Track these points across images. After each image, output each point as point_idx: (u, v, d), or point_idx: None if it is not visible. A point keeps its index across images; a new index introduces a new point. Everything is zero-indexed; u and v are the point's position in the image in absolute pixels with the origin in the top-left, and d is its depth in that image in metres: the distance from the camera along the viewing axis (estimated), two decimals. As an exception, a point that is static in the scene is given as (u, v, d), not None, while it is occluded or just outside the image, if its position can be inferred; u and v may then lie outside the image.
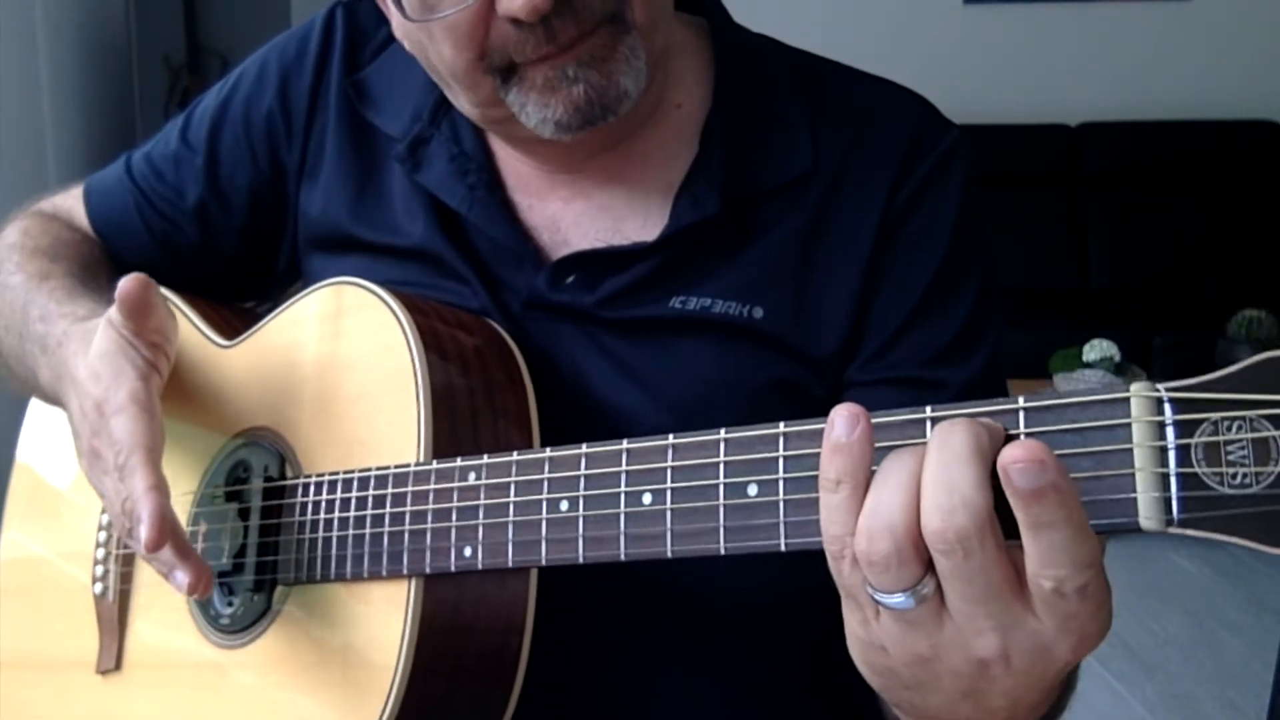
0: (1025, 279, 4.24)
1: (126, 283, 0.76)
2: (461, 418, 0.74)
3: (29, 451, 1.00)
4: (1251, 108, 4.37)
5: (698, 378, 0.79)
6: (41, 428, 0.99)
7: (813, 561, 0.75)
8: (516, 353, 0.79)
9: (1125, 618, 3.00)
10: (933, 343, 0.78)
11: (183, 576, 0.72)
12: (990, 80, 4.48)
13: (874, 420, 0.52)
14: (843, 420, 0.51)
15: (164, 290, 0.94)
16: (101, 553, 0.90)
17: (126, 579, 0.88)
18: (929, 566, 0.49)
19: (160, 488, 0.71)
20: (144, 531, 0.69)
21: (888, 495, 0.49)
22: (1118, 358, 3.19)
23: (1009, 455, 0.46)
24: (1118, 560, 3.38)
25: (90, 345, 0.79)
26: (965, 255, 0.80)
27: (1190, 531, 0.46)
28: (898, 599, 0.50)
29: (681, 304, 0.79)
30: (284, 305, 0.85)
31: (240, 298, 0.99)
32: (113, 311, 0.78)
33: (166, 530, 0.70)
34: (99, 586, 0.89)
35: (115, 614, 0.88)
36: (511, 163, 0.84)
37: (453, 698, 0.73)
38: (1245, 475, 0.45)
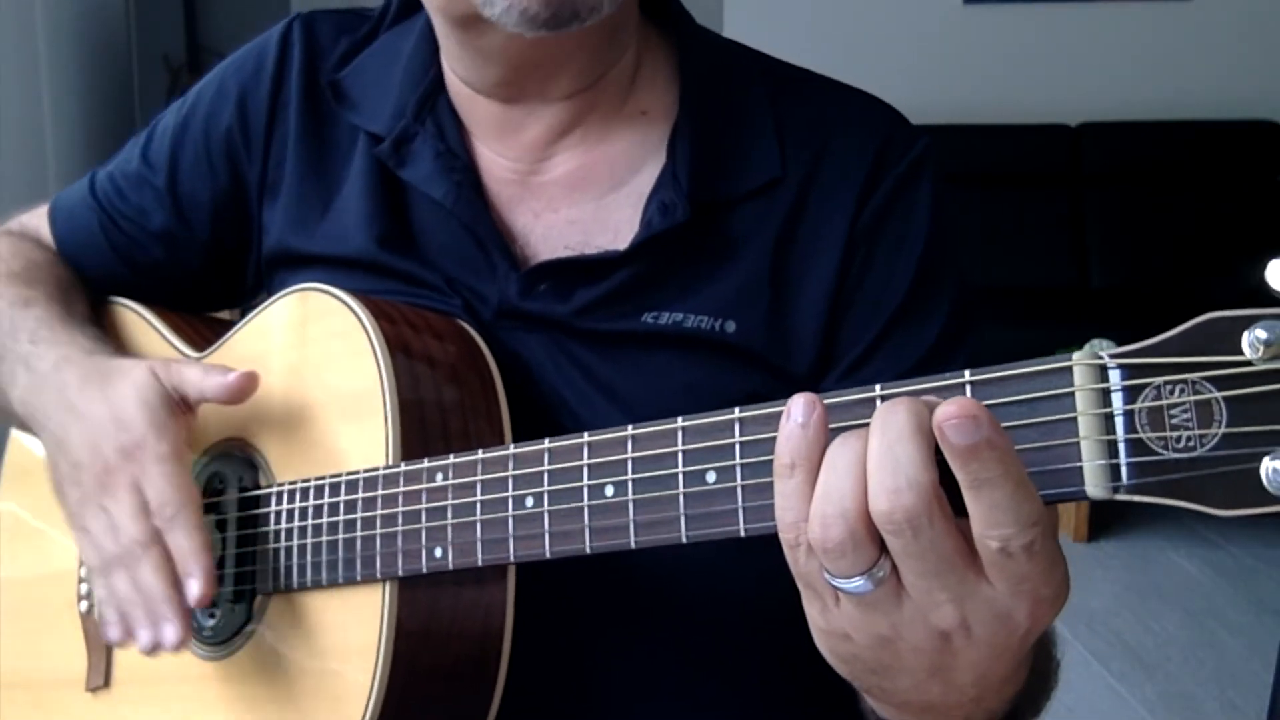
0: (1025, 279, 4.24)
1: (246, 379, 0.77)
2: (430, 420, 0.74)
3: (13, 468, 1.00)
4: (1251, 108, 4.37)
5: (669, 392, 0.78)
6: (25, 443, 0.99)
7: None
8: (486, 353, 0.78)
9: (1125, 618, 3.00)
10: (910, 354, 0.78)
11: (173, 632, 0.74)
12: (990, 80, 4.48)
13: (826, 401, 0.52)
14: (799, 406, 0.51)
15: (132, 303, 0.95)
16: (85, 570, 0.90)
17: None
18: (883, 547, 0.49)
19: (210, 547, 0.75)
20: (198, 588, 0.73)
21: (836, 480, 0.49)
22: (1118, 358, 3.18)
23: (943, 413, 0.46)
24: (1118, 560, 3.39)
25: (110, 385, 0.79)
26: (939, 266, 0.80)
27: (1137, 497, 0.46)
28: (855, 583, 0.50)
29: (653, 319, 0.78)
30: (251, 315, 0.85)
31: (210, 308, 1.00)
32: (162, 368, 0.79)
33: (214, 589, 0.74)
34: (84, 604, 0.89)
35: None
36: (489, 168, 0.83)
37: (432, 703, 0.73)
38: (1189, 438, 0.45)
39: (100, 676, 0.87)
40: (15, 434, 1.00)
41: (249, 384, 0.77)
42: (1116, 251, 4.33)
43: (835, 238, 0.79)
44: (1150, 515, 3.54)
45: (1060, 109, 4.43)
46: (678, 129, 0.80)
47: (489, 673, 0.74)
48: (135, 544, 0.75)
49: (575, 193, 0.82)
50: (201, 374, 0.78)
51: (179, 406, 0.78)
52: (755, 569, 0.78)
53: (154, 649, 0.75)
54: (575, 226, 0.81)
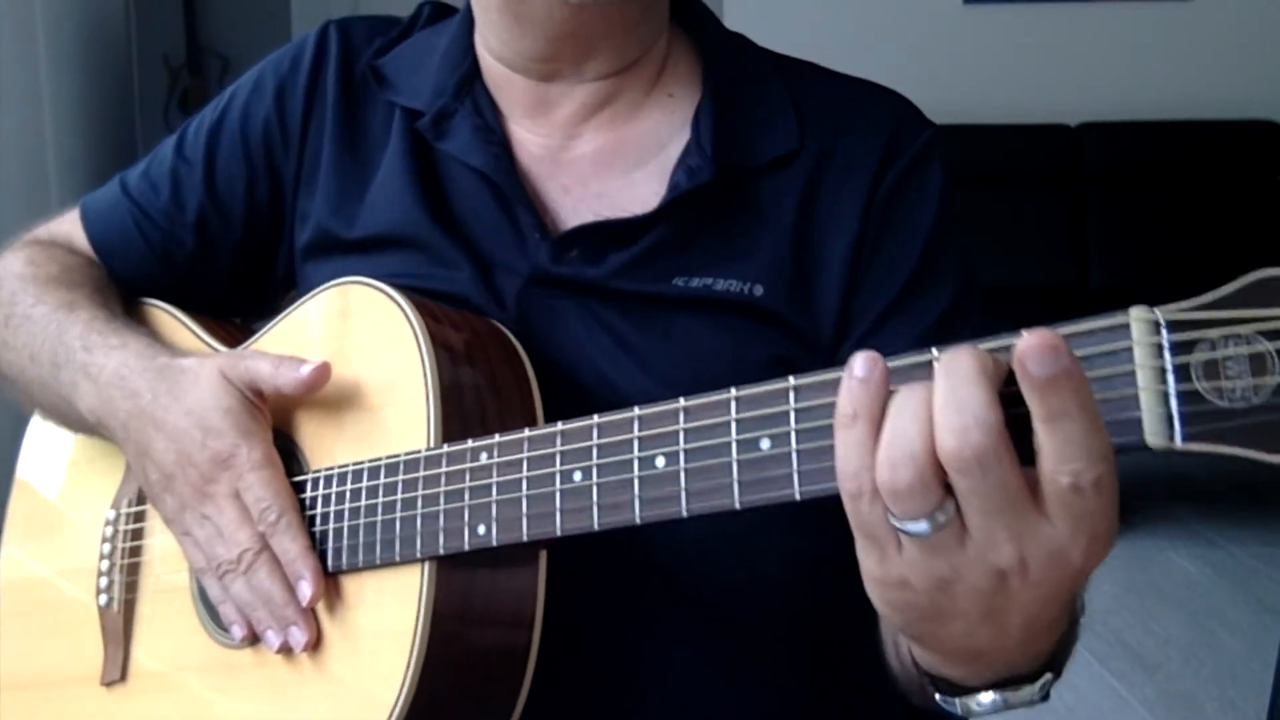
0: (1025, 279, 4.24)
1: (319, 373, 0.78)
2: (469, 413, 0.75)
3: (29, 469, 1.00)
4: (1251, 108, 4.37)
5: (698, 356, 0.80)
6: (41, 445, 0.99)
7: (819, 534, 0.76)
8: (520, 351, 0.80)
9: (1125, 618, 3.00)
10: (920, 323, 0.81)
11: (300, 635, 0.76)
12: (990, 80, 4.48)
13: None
14: (860, 363, 0.52)
15: (164, 304, 0.96)
16: (105, 564, 0.90)
17: (131, 588, 0.88)
18: (948, 489, 0.51)
19: (313, 548, 0.77)
20: (308, 589, 0.75)
21: (903, 424, 0.51)
22: (1118, 358, 3.19)
23: (1024, 344, 0.48)
24: (1118, 560, 3.38)
25: (183, 391, 0.80)
26: (947, 242, 0.84)
27: (1195, 446, 0.48)
28: (920, 525, 0.51)
29: (683, 283, 0.81)
30: (287, 311, 0.86)
31: (237, 310, 1.01)
32: (230, 369, 0.79)
33: (323, 589, 0.76)
34: (103, 598, 0.89)
35: (120, 624, 0.88)
36: (521, 145, 0.87)
37: (465, 686, 0.73)
38: (1244, 389, 0.47)
39: (117, 670, 0.87)
40: (32, 429, 1.00)
41: (323, 377, 0.78)
42: (1116, 251, 4.33)
43: (852, 211, 0.82)
44: (1150, 515, 3.54)
45: (1060, 109, 4.43)
46: (701, 107, 0.84)
47: (519, 656, 0.74)
48: (246, 552, 0.76)
49: (603, 168, 0.85)
50: (273, 368, 0.79)
51: (256, 405, 0.79)
52: (788, 550, 0.80)
53: (283, 650, 0.76)
54: (603, 200, 0.84)
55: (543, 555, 0.74)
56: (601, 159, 0.85)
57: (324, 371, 0.78)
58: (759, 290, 0.81)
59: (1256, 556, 3.34)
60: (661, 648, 0.82)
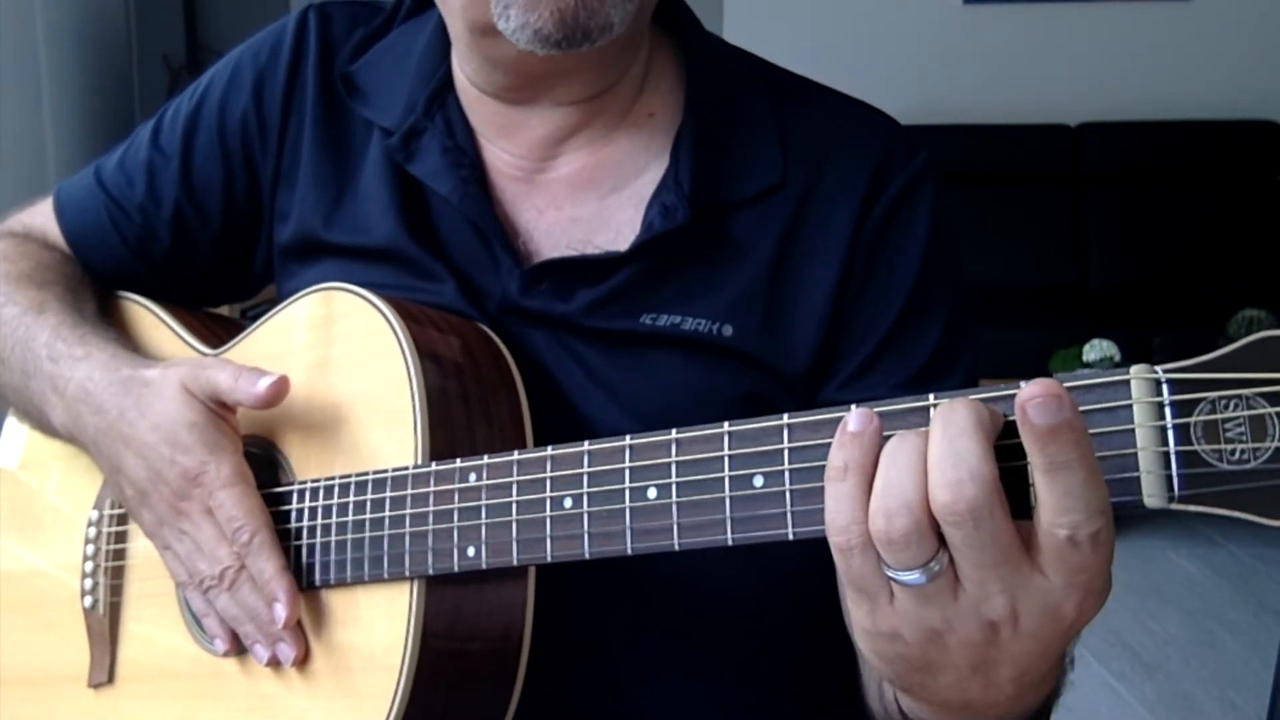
0: (1025, 279, 4.25)
1: (277, 388, 0.76)
2: (457, 422, 0.74)
3: (7, 458, 0.99)
4: (1251, 108, 4.37)
5: (667, 390, 0.79)
6: (15, 443, 0.98)
7: (805, 561, 0.75)
8: (507, 355, 0.79)
9: (1125, 618, 3.00)
10: (908, 365, 0.80)
11: (288, 650, 0.75)
12: (990, 80, 4.48)
13: (878, 409, 0.53)
14: (856, 416, 0.52)
15: (141, 299, 0.94)
16: (90, 565, 0.89)
17: (116, 591, 0.87)
18: (941, 541, 0.50)
19: (289, 569, 0.76)
20: (283, 611, 0.74)
21: (897, 474, 0.50)
22: (1118, 358, 3.20)
23: (1026, 393, 0.47)
24: (1118, 560, 3.36)
25: (148, 406, 0.79)
26: (937, 279, 0.81)
27: (1191, 507, 0.48)
28: (913, 575, 0.51)
29: (651, 320, 0.79)
30: (270, 314, 0.85)
31: (215, 301, 0.99)
32: (191, 381, 0.78)
33: (299, 610, 0.75)
34: (88, 600, 0.88)
35: (106, 626, 0.87)
36: (495, 164, 0.84)
37: (455, 701, 0.73)
38: (1243, 451, 0.47)
39: (104, 673, 0.86)
40: (9, 425, 0.99)
41: (281, 391, 0.77)
42: (1116, 251, 4.34)
43: (835, 248, 0.80)
44: (1150, 514, 3.53)
45: (1060, 109, 4.43)
46: (682, 133, 0.81)
47: (509, 671, 0.74)
48: (228, 569, 0.76)
49: (579, 191, 0.83)
50: (232, 380, 0.77)
51: (222, 417, 0.78)
52: (776, 574, 0.80)
53: (271, 664, 0.76)
54: (578, 224, 0.82)
55: (531, 568, 0.74)
56: (578, 182, 0.83)
57: (282, 385, 0.76)
58: (728, 330, 0.79)
59: (1256, 556, 3.34)
60: (650, 659, 0.82)
